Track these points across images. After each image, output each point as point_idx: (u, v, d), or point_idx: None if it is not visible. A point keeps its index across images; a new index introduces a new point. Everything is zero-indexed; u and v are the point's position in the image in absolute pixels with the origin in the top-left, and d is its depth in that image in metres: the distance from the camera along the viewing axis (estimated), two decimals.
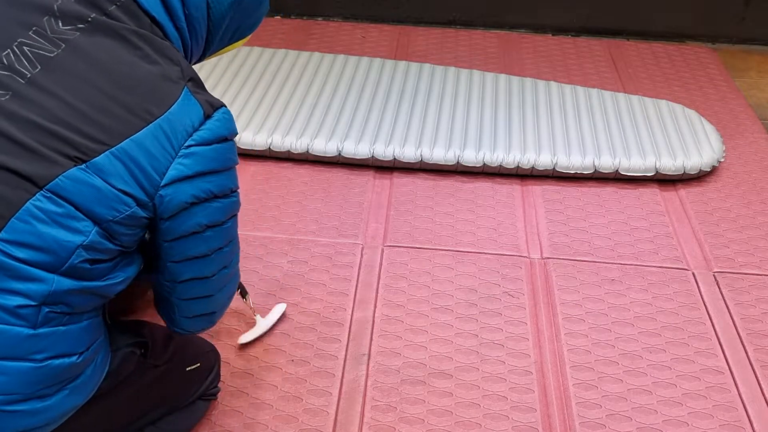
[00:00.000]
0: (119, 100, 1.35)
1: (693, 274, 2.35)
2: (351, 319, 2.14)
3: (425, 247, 2.40)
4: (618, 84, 3.29)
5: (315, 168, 2.71)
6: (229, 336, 2.06)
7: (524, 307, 2.20)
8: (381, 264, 2.32)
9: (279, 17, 3.81)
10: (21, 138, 1.30)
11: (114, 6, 1.41)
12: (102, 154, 1.32)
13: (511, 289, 2.26)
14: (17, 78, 1.34)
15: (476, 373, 2.00)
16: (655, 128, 2.86)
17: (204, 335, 1.99)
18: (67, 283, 1.33)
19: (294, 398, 1.91)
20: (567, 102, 3.01)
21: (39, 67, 1.35)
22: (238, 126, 2.72)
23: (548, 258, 2.38)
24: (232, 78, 3.05)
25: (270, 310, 2.13)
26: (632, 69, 3.43)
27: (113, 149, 1.33)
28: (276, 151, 2.71)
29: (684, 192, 2.69)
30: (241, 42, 1.67)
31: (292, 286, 2.23)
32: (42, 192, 1.30)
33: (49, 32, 1.38)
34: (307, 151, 2.70)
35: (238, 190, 1.51)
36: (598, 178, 2.71)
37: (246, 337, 2.04)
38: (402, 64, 3.24)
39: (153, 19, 1.45)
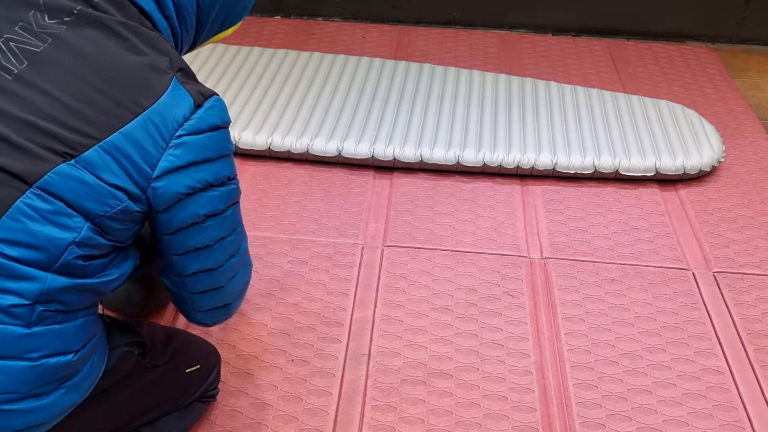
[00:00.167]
0: (107, 93, 1.33)
1: (693, 274, 2.35)
2: (351, 319, 2.14)
3: (425, 247, 2.40)
4: (618, 84, 3.29)
5: (315, 168, 2.71)
6: (229, 335, 2.06)
7: (524, 307, 2.20)
8: (381, 264, 2.32)
9: (279, 17, 3.81)
10: (9, 135, 1.30)
11: None
12: (91, 149, 1.31)
13: (511, 289, 2.26)
14: (4, 74, 1.33)
15: (476, 373, 2.00)
16: (655, 128, 2.86)
17: (204, 335, 1.99)
18: (60, 280, 1.33)
19: (294, 398, 1.91)
20: (567, 102, 3.01)
21: (26, 63, 1.34)
22: (238, 126, 2.73)
23: (548, 258, 2.38)
24: (232, 78, 3.05)
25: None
26: (632, 69, 3.43)
27: (102, 143, 1.32)
28: (276, 151, 2.71)
29: (684, 192, 2.69)
30: (232, 29, 1.64)
31: (292, 286, 2.23)
32: (32, 189, 1.29)
33: (35, 27, 1.37)
34: (307, 151, 2.70)
35: (237, 178, 1.49)
36: (598, 178, 2.71)
37: None
38: (402, 64, 3.23)
39: (141, 10, 1.44)
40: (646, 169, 2.68)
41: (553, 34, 3.76)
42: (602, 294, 2.26)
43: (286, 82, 3.04)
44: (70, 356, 1.38)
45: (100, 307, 1.53)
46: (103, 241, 1.36)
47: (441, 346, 2.07)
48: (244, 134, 2.71)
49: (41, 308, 1.33)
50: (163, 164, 1.35)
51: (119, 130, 1.32)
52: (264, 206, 2.52)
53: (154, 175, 1.35)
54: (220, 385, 1.84)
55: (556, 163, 2.68)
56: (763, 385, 2.01)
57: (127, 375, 1.58)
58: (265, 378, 1.96)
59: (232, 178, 1.47)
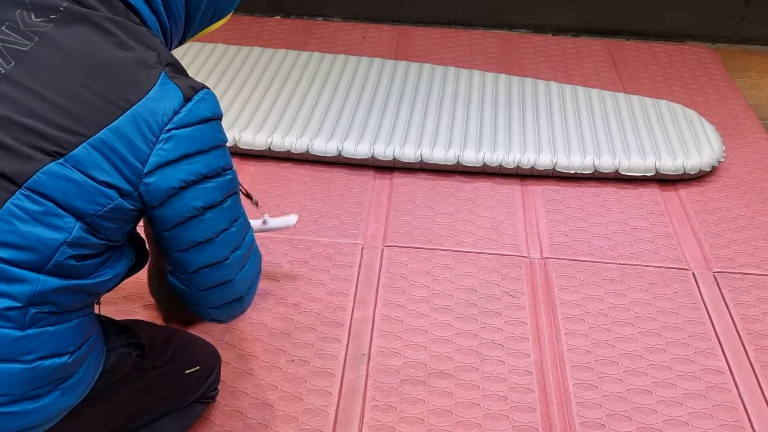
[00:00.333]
0: (95, 90, 1.32)
1: (693, 274, 2.35)
2: (351, 319, 2.14)
3: (425, 247, 2.40)
4: (618, 84, 3.29)
5: (315, 168, 2.71)
6: (229, 335, 2.06)
7: (524, 307, 2.20)
8: (381, 264, 2.32)
9: (279, 17, 3.81)
10: None
11: None
12: (79, 146, 1.30)
13: (511, 289, 2.26)
14: None
15: (476, 373, 2.00)
16: (655, 128, 2.86)
17: (204, 336, 1.99)
18: (52, 282, 1.32)
19: (294, 398, 1.91)
20: (567, 102, 3.01)
21: (13, 63, 1.33)
22: (238, 126, 2.73)
23: (548, 258, 2.38)
24: (232, 78, 3.05)
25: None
26: (632, 69, 3.43)
27: (91, 140, 1.30)
28: (276, 151, 2.71)
29: (684, 192, 2.69)
30: (222, 21, 1.63)
31: (292, 286, 2.23)
32: (21, 190, 1.28)
33: (21, 26, 1.36)
34: (307, 151, 2.70)
35: (233, 168, 1.47)
36: (598, 178, 2.71)
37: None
38: (402, 64, 3.24)
39: (128, 5, 1.43)
40: (646, 169, 2.68)
41: (553, 34, 3.76)
42: (602, 294, 2.26)
43: (286, 82, 3.04)
44: (65, 358, 1.38)
45: (97, 308, 1.53)
46: (95, 240, 1.35)
47: (441, 346, 2.07)
48: (244, 134, 2.71)
49: (34, 310, 1.32)
50: (153, 159, 1.34)
51: (108, 127, 1.31)
52: (264, 206, 2.51)
53: (146, 171, 1.34)
54: (220, 386, 1.84)
55: (556, 163, 2.68)
56: (763, 385, 2.01)
57: (125, 376, 1.57)
58: (265, 378, 1.96)
59: (227, 169, 1.45)
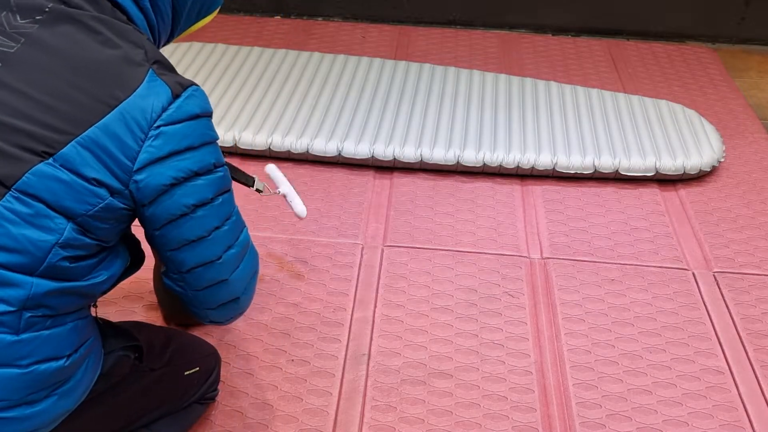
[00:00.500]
0: (82, 88, 1.32)
1: (693, 274, 2.35)
2: (351, 319, 2.14)
3: (425, 247, 2.40)
4: (618, 84, 3.29)
5: (315, 168, 2.71)
6: (229, 335, 2.06)
7: (524, 307, 2.20)
8: (381, 264, 2.32)
9: (279, 17, 3.81)
10: None
11: None
12: (68, 145, 1.30)
13: (511, 289, 2.26)
14: None
15: (476, 373, 2.00)
16: (655, 128, 2.86)
17: (205, 336, 1.99)
18: (46, 285, 1.31)
19: (294, 398, 1.91)
20: (567, 102, 3.01)
21: (0, 65, 1.33)
22: (238, 126, 2.73)
23: (548, 258, 2.38)
24: (232, 78, 3.05)
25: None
26: (632, 69, 3.43)
27: (79, 138, 1.30)
28: (276, 151, 2.71)
29: (684, 192, 2.69)
30: (209, 17, 1.62)
31: (292, 286, 2.23)
32: (10, 192, 1.28)
33: (7, 28, 1.36)
34: (307, 151, 2.70)
35: (224, 166, 1.46)
36: (598, 178, 2.71)
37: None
38: (402, 64, 3.24)
39: (114, 3, 1.42)
40: (646, 169, 2.68)
41: (553, 34, 3.76)
42: (602, 294, 2.26)
43: (286, 82, 3.04)
44: (61, 361, 1.37)
45: (93, 310, 1.52)
46: (88, 241, 1.34)
47: (441, 346, 2.07)
48: (244, 134, 2.71)
49: (28, 314, 1.31)
50: (143, 156, 1.33)
51: (96, 125, 1.31)
52: (264, 206, 2.52)
53: (135, 168, 1.33)
54: (220, 386, 1.84)
55: (556, 163, 2.68)
56: (763, 385, 2.01)
57: (124, 379, 1.57)
58: (265, 378, 1.96)
59: (218, 166, 1.44)
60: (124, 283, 2.12)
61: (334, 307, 2.17)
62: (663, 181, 2.72)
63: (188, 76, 3.02)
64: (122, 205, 1.36)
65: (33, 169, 1.29)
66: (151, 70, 1.36)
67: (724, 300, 2.26)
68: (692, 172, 2.70)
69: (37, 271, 1.31)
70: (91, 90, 1.32)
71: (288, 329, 2.09)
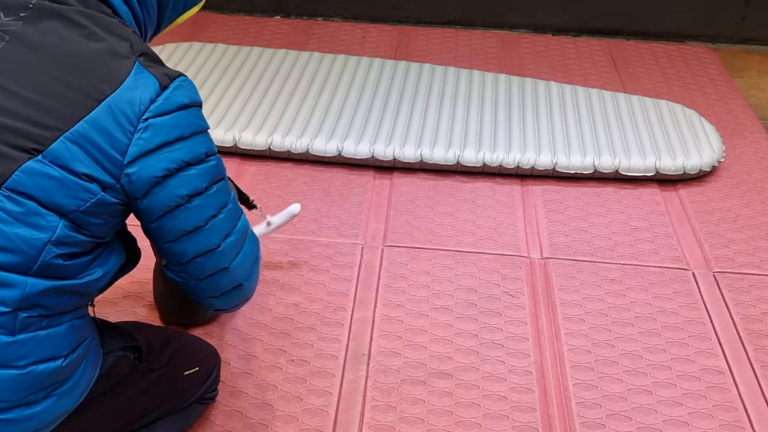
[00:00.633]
0: (69, 84, 1.31)
1: (693, 274, 2.35)
2: (351, 319, 2.14)
3: (425, 247, 2.40)
4: (618, 84, 3.29)
5: (315, 168, 2.71)
6: (229, 335, 2.06)
7: (524, 307, 2.20)
8: (381, 264, 2.32)
9: (279, 17, 3.81)
10: None
11: None
12: (57, 141, 1.29)
13: (511, 289, 2.26)
14: None
15: (476, 373, 2.00)
16: (655, 128, 2.86)
17: (205, 336, 1.99)
18: (40, 284, 1.31)
19: (294, 398, 1.91)
20: (567, 102, 3.01)
21: None
22: (238, 126, 2.73)
23: (548, 258, 2.38)
24: (232, 78, 3.05)
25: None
26: (632, 69, 3.43)
27: (67, 133, 1.30)
28: (276, 151, 2.71)
29: (684, 192, 2.69)
30: (195, 8, 1.61)
31: (292, 286, 2.23)
32: (1, 191, 1.28)
33: None
34: (307, 151, 2.70)
35: (216, 155, 1.45)
36: (598, 178, 2.71)
37: (257, 231, 2.02)
38: (402, 64, 3.24)
39: None
40: (646, 169, 2.68)
41: (553, 34, 3.76)
42: (602, 294, 2.26)
43: (286, 82, 3.04)
44: (59, 362, 1.37)
45: (91, 310, 1.52)
46: (81, 238, 1.34)
47: (441, 346, 2.07)
48: (244, 134, 2.71)
49: (24, 315, 1.31)
50: (132, 149, 1.33)
51: (84, 119, 1.30)
52: (264, 206, 2.51)
53: (126, 161, 1.33)
54: (220, 386, 1.84)
55: (556, 163, 2.68)
56: (763, 385, 2.01)
57: (123, 379, 1.57)
58: (265, 378, 1.96)
59: (210, 155, 1.43)
60: (124, 284, 2.14)
61: (334, 307, 2.17)
62: (663, 181, 2.72)
63: (188, 75, 3.02)
64: (114, 200, 1.35)
65: (23, 166, 1.28)
66: (137, 62, 1.35)
67: (724, 300, 2.26)
68: (692, 172, 2.70)
69: (31, 270, 1.30)
70: (77, 85, 1.32)
71: (288, 329, 2.09)
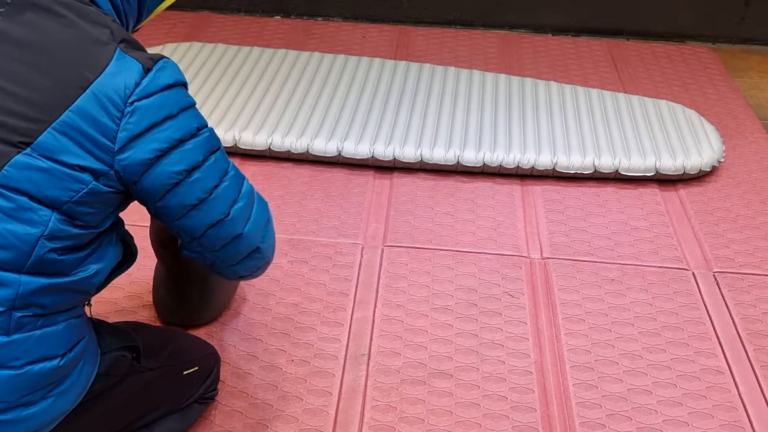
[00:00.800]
0: (52, 74, 1.31)
1: (693, 274, 2.35)
2: (351, 319, 2.14)
3: (425, 247, 2.40)
4: (618, 84, 3.29)
5: (315, 168, 2.71)
6: (229, 335, 2.06)
7: (524, 307, 2.20)
8: (381, 264, 2.32)
9: (279, 17, 3.81)
10: None
11: None
12: (44, 133, 1.29)
13: (511, 289, 2.26)
14: None
15: (476, 373, 2.00)
16: (655, 128, 2.86)
17: (205, 336, 1.99)
18: (34, 282, 1.31)
19: (294, 398, 1.91)
20: (567, 102, 3.01)
21: None
22: (238, 126, 2.74)
23: (548, 258, 2.38)
24: (232, 78, 3.05)
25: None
26: (632, 69, 3.43)
27: (54, 124, 1.29)
28: (276, 151, 2.71)
29: (684, 192, 2.69)
30: None
31: (292, 286, 2.23)
32: None
33: None
34: (307, 151, 2.70)
35: (208, 126, 1.44)
36: (598, 178, 2.71)
37: None
38: (402, 64, 3.24)
39: None
40: (646, 169, 2.68)
41: (553, 34, 3.76)
42: (602, 294, 2.26)
43: (286, 82, 3.04)
44: (55, 361, 1.37)
45: (88, 309, 1.52)
46: (74, 230, 1.33)
47: (441, 346, 2.07)
48: (244, 134, 2.71)
49: (19, 314, 1.31)
50: (122, 135, 1.33)
51: (69, 108, 1.30)
52: None
53: (117, 148, 1.33)
54: (219, 386, 1.84)
55: (556, 163, 2.68)
56: (763, 385, 2.01)
57: (122, 379, 1.57)
58: (265, 378, 1.96)
59: (201, 128, 1.42)
60: (124, 284, 2.14)
61: (334, 307, 2.17)
62: (663, 181, 2.72)
63: (188, 76, 3.03)
64: (108, 189, 1.35)
65: (11, 161, 1.28)
66: (118, 48, 1.35)
67: (724, 300, 2.26)
68: (692, 172, 2.70)
69: (25, 267, 1.30)
70: (60, 75, 1.31)
71: (288, 329, 2.09)
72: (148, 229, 1.99)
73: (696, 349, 2.10)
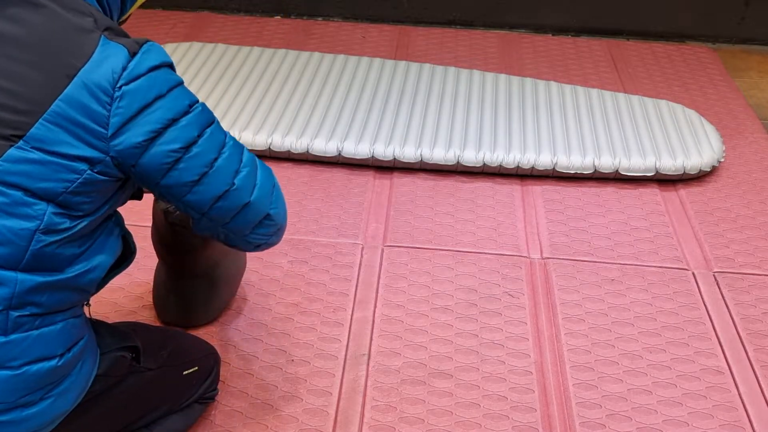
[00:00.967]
0: (38, 66, 1.31)
1: (693, 274, 2.35)
2: (351, 319, 2.14)
3: (425, 247, 2.40)
4: (618, 84, 3.29)
5: (315, 168, 2.71)
6: (229, 335, 2.06)
7: (524, 307, 2.20)
8: (381, 264, 2.32)
9: (279, 17, 3.81)
10: None
11: None
12: (36, 124, 1.29)
13: (511, 289, 2.26)
14: None
15: (476, 373, 2.00)
16: (655, 128, 2.86)
17: (205, 336, 1.99)
18: (31, 280, 1.31)
19: (294, 398, 1.91)
20: (567, 102, 3.01)
21: None
22: (238, 126, 2.74)
23: (548, 258, 2.38)
24: (232, 78, 3.05)
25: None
26: (632, 69, 3.43)
27: (45, 115, 1.29)
28: (276, 151, 2.71)
29: (684, 192, 2.69)
30: None
31: (292, 286, 2.23)
32: None
33: None
34: (307, 151, 2.70)
35: (199, 102, 1.44)
36: (598, 178, 2.71)
37: None
38: (402, 64, 3.24)
39: None
40: (646, 169, 2.68)
41: (553, 34, 3.76)
42: (602, 294, 2.26)
43: (286, 82, 3.04)
44: (54, 361, 1.37)
45: (87, 310, 1.52)
46: (69, 223, 1.33)
47: (441, 346, 2.07)
48: (244, 134, 2.71)
49: (15, 314, 1.31)
50: (114, 120, 1.33)
51: (58, 98, 1.30)
52: None
53: (110, 134, 1.33)
54: (219, 385, 1.84)
55: (556, 163, 2.68)
56: (763, 385, 2.01)
57: (122, 379, 1.57)
58: (265, 378, 1.96)
59: (193, 104, 1.42)
60: (124, 284, 2.14)
61: (334, 307, 2.17)
62: (663, 181, 2.72)
63: (188, 76, 3.03)
64: (103, 177, 1.34)
65: (5, 155, 1.28)
66: (103, 35, 1.35)
67: (724, 300, 2.26)
68: (692, 172, 2.70)
69: (21, 264, 1.30)
70: (46, 66, 1.31)
71: (288, 329, 2.09)
72: (148, 230, 2.00)
73: (696, 349, 2.10)
